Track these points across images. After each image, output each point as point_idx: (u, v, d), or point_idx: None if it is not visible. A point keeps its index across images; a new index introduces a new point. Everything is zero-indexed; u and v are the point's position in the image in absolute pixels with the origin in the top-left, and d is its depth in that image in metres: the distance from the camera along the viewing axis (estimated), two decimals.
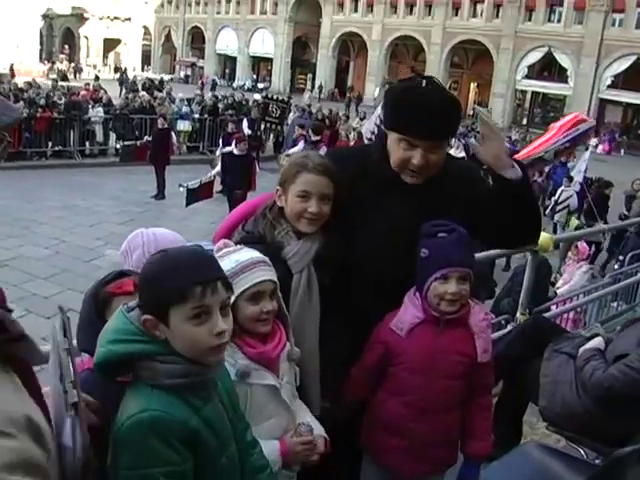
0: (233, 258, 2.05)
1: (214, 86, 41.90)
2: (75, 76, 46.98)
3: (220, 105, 22.30)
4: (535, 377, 3.37)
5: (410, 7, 44.51)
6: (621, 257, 10.92)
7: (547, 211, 14.99)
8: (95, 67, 51.89)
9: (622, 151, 29.80)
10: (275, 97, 21.01)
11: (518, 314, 4.55)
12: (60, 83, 25.37)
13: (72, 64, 52.81)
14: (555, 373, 3.28)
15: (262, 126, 19.54)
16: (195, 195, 12.68)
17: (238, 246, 2.17)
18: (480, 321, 2.40)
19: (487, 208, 2.42)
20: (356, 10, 47.61)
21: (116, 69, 50.88)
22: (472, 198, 2.42)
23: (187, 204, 12.70)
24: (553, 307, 6.48)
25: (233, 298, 1.90)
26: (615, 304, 7.44)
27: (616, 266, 10.90)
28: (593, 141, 24.25)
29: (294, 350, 2.17)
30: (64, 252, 10.43)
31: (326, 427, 2.34)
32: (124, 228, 12.09)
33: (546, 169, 17.37)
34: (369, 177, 2.45)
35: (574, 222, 8.83)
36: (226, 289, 1.67)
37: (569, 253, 8.97)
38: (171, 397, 1.57)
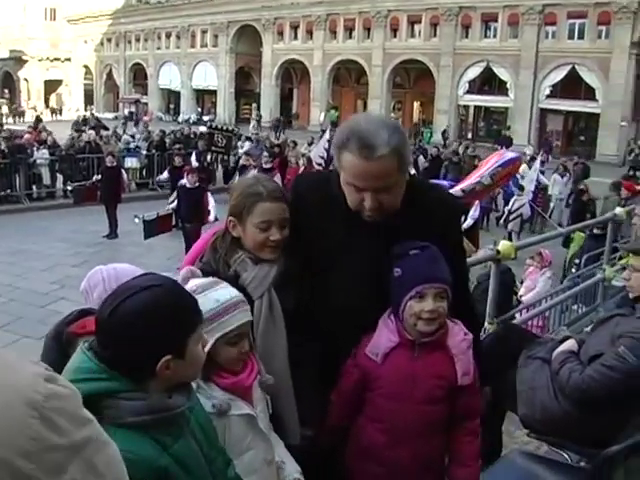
0: (212, 297, 1.97)
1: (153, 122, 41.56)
2: (15, 120, 46.21)
3: (167, 140, 22.17)
4: (511, 386, 3.35)
5: (349, 31, 45.02)
6: (577, 260, 11.12)
7: (501, 220, 15.25)
8: (36, 109, 50.97)
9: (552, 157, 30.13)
10: (220, 127, 20.92)
11: (486, 324, 4.54)
12: (3, 127, 24.85)
13: (13, 107, 51.97)
14: (531, 379, 3.26)
15: (209, 157, 19.49)
16: (154, 228, 12.52)
17: (212, 279, 2.09)
18: (460, 342, 2.32)
19: (453, 253, 2.38)
20: (296, 37, 47.97)
21: (52, 111, 49.57)
22: (442, 233, 2.33)
23: (146, 237, 12.54)
24: (517, 315, 6.54)
25: (212, 341, 1.86)
26: (576, 307, 7.53)
27: (573, 270, 11.08)
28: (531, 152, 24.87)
29: (266, 377, 2.11)
30: (18, 299, 10.14)
31: (310, 455, 2.28)
32: (78, 270, 11.80)
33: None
34: (334, 210, 2.35)
35: (580, 236, 8.77)
36: None
37: (528, 260, 9.07)
38: (137, 435, 1.48)
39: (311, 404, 2.34)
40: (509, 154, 12.07)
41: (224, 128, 20.63)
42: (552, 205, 17.58)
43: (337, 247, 2.37)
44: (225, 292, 2.02)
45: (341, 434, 2.43)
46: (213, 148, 19.34)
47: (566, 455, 3.20)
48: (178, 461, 1.53)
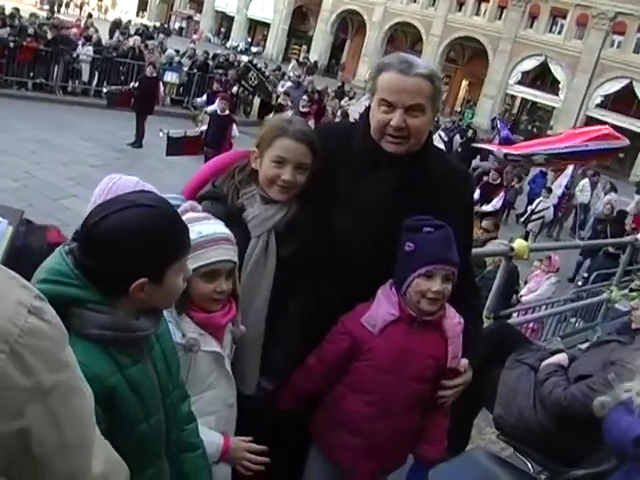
0: (196, 229, 1.93)
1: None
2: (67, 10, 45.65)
3: (211, 62, 21.93)
4: (493, 384, 3.34)
5: None
6: (586, 274, 11.04)
7: (522, 219, 15.11)
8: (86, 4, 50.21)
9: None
10: (259, 67, 20.51)
11: (483, 317, 4.52)
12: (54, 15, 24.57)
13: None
14: (514, 383, 3.25)
15: (235, 88, 19.10)
16: (179, 147, 12.41)
17: (204, 214, 2.06)
18: (455, 325, 2.32)
19: (461, 227, 2.38)
20: None
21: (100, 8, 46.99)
22: (451, 202, 2.33)
23: (168, 153, 12.42)
24: (514, 314, 6.52)
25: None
26: (574, 320, 7.50)
27: (580, 283, 11.01)
28: None
29: (240, 327, 2.10)
30: (32, 187, 10.15)
31: (261, 407, 2.26)
32: (96, 171, 11.83)
33: (526, 177, 17.49)
34: (352, 154, 2.36)
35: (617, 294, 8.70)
36: None
37: (536, 263, 9.02)
38: (94, 349, 1.45)
39: (281, 356, 2.32)
40: (616, 143, 11.32)
41: (262, 70, 20.18)
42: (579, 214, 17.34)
43: (349, 180, 2.35)
44: (210, 227, 1.99)
45: (304, 400, 2.41)
46: (243, 82, 18.94)
47: (529, 464, 3.20)
48: (131, 384, 1.50)
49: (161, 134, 12.32)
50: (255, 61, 24.30)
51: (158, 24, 47.64)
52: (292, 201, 2.27)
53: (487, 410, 3.53)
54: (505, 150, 9.03)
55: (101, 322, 1.45)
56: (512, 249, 4.32)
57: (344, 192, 2.34)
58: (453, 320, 2.33)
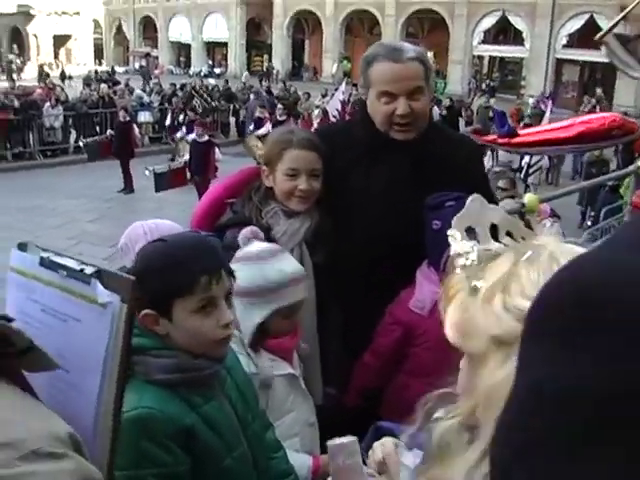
0: (276, 267, 1.95)
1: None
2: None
3: (179, 94, 21.98)
4: None
5: None
6: (592, 213, 10.96)
7: (520, 174, 15.07)
8: (47, 67, 50.15)
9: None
10: (202, 93, 20.14)
11: None
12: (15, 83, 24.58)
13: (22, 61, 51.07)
14: None
15: (181, 117, 18.31)
16: (166, 181, 12.49)
17: (276, 247, 2.05)
18: None
19: (480, 188, 2.36)
20: None
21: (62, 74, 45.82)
22: (467, 177, 2.33)
23: (157, 189, 12.51)
24: None
25: (269, 312, 1.86)
26: None
27: (589, 222, 10.93)
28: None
29: (302, 345, 2.10)
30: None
31: (334, 414, 2.27)
32: (94, 226, 11.88)
33: None
34: (358, 146, 2.38)
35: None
36: (229, 277, 1.58)
37: (527, 216, 8.90)
38: (165, 393, 1.48)
39: (336, 361, 2.33)
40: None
41: (205, 97, 19.89)
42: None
43: (360, 170, 2.38)
44: (289, 264, 2.00)
45: (370, 395, 2.41)
46: (188, 112, 18.14)
47: None
48: (207, 421, 1.52)
49: (147, 173, 12.42)
50: (212, 82, 24.31)
51: (120, 68, 47.69)
52: (313, 208, 2.28)
53: None
54: (511, 145, 8.90)
55: (165, 366, 1.48)
56: (523, 205, 4.29)
57: (359, 188, 2.35)
58: None
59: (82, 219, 12.27)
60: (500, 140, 6.51)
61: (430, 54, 44.92)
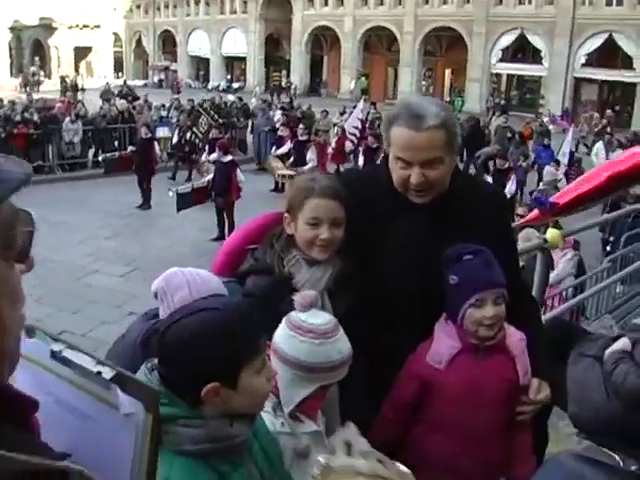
0: (337, 347, 1.93)
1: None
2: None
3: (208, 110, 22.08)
4: (561, 383, 3.27)
5: None
6: (612, 239, 10.80)
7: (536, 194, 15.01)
8: (67, 79, 50.46)
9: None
10: (209, 110, 19.80)
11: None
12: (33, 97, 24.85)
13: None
14: (582, 378, 3.17)
15: (188, 135, 18.12)
16: (188, 200, 12.53)
17: (334, 321, 2.00)
18: (517, 342, 2.29)
19: (504, 249, 2.35)
20: (326, 4, 47.25)
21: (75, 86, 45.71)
22: (491, 230, 2.31)
23: (178, 209, 12.56)
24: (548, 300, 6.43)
25: (316, 386, 1.88)
26: (620, 289, 7.39)
27: (608, 248, 10.80)
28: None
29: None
30: (54, 271, 10.21)
31: None
32: (111, 243, 11.96)
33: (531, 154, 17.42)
34: (379, 201, 2.35)
35: None
36: None
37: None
38: (195, 464, 1.46)
39: (356, 410, 2.30)
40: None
41: (212, 114, 19.45)
42: None
43: (386, 243, 2.33)
44: (345, 345, 1.97)
45: (389, 446, 2.38)
46: (194, 129, 18.06)
47: (617, 457, 3.12)
48: None
49: (170, 194, 12.49)
50: (231, 98, 24.28)
51: (139, 82, 48.03)
52: (335, 257, 2.26)
53: (559, 407, 3.46)
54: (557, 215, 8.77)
55: (196, 437, 1.45)
56: (545, 240, 4.27)
57: (379, 240, 2.32)
58: (515, 337, 2.30)
59: (100, 235, 12.36)
60: (542, 217, 6.43)
61: (448, 72, 45.12)
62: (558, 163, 14.69)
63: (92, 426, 0.90)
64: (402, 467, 1.15)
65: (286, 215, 2.30)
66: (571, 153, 15.47)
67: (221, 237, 12.38)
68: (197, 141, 18.10)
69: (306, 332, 1.94)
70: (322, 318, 1.97)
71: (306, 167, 14.26)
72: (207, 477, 1.46)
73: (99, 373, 0.93)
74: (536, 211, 6.15)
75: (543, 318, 4.98)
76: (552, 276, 8.12)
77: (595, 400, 3.15)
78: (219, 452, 1.48)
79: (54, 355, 0.98)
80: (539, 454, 3.31)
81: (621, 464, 3.09)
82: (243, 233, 2.50)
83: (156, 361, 1.52)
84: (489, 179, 12.65)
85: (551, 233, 4.40)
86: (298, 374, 1.91)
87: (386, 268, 2.31)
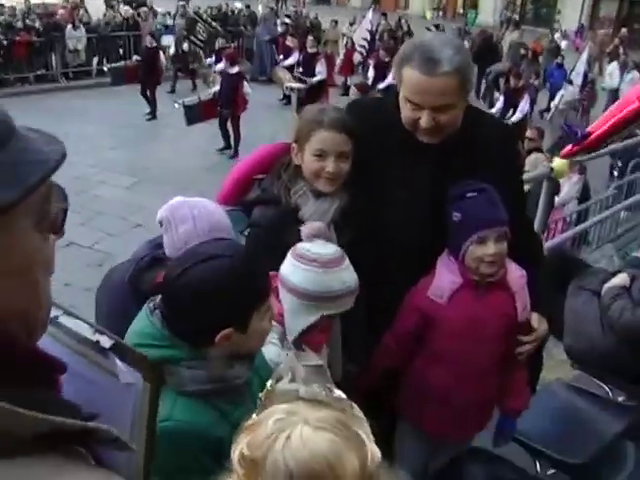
0: (339, 277, 1.96)
1: None
2: None
3: (205, 17, 21.48)
4: (559, 314, 3.34)
5: None
6: (620, 164, 10.64)
7: (548, 116, 14.78)
8: None
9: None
10: (205, 18, 18.87)
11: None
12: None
13: None
14: (580, 310, 3.25)
15: (185, 45, 17.48)
16: (198, 113, 12.30)
17: (339, 251, 2.03)
18: (518, 279, 2.33)
19: (509, 183, 2.34)
20: None
21: None
22: (497, 165, 2.29)
23: (189, 122, 12.29)
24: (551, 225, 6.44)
25: (318, 316, 1.91)
26: (624, 214, 7.39)
27: (615, 173, 10.69)
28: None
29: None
30: (59, 182, 10.11)
31: (353, 390, 2.32)
32: (116, 153, 11.89)
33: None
34: (387, 134, 2.32)
35: None
36: None
37: None
38: (197, 404, 1.52)
39: (358, 341, 2.36)
40: None
41: (209, 21, 18.57)
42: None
43: (392, 177, 2.32)
44: (350, 275, 2.00)
45: (388, 376, 2.46)
46: (192, 37, 17.30)
47: (606, 388, 3.23)
48: (237, 428, 1.54)
49: (176, 105, 12.23)
50: (238, 5, 23.52)
51: None
52: (341, 190, 2.26)
53: (555, 338, 3.54)
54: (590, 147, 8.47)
55: (198, 378, 1.50)
56: (552, 169, 4.25)
57: (387, 174, 2.31)
58: (515, 274, 2.34)
59: (105, 146, 12.23)
60: (578, 148, 6.27)
61: None
62: (571, 83, 14.36)
63: (94, 390, 0.91)
64: (340, 393, 1.21)
65: (294, 145, 2.30)
66: (585, 74, 15.06)
67: (227, 147, 12.31)
68: (197, 50, 17.39)
69: (310, 261, 1.97)
70: (327, 248, 2.00)
71: (314, 79, 13.92)
72: (208, 415, 1.52)
73: (97, 342, 0.92)
74: (570, 146, 6.07)
75: (546, 245, 5.03)
76: (556, 199, 8.11)
77: (591, 333, 3.23)
78: (220, 392, 1.53)
79: (50, 321, 0.94)
80: (534, 380, 3.44)
81: (610, 395, 3.21)
82: (252, 162, 2.49)
83: (158, 300, 1.55)
84: (500, 97, 12.42)
85: (558, 163, 4.37)
86: (302, 303, 1.95)
87: (390, 204, 2.32)
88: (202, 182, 10.64)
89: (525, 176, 4.48)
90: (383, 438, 2.51)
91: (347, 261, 2.02)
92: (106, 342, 0.92)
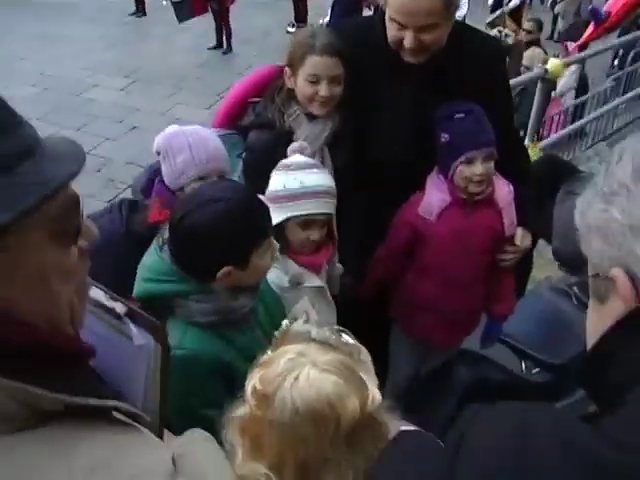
0: (299, 177, 2.02)
1: None
2: None
3: None
4: (548, 216, 3.41)
5: None
6: (621, 51, 10.38)
7: (549, 1, 14.30)
8: None
9: None
10: None
11: (527, 141, 4.52)
12: None
13: None
14: (568, 216, 3.30)
15: None
16: (188, 9, 11.91)
17: (312, 161, 2.11)
18: (505, 195, 2.41)
19: (498, 100, 2.37)
20: None
21: None
22: (485, 81, 2.31)
23: (180, 20, 11.91)
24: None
25: (283, 218, 1.96)
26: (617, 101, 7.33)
27: (616, 62, 10.45)
28: None
29: (337, 266, 2.21)
30: (52, 88, 10.06)
31: (349, 300, 2.44)
32: (108, 54, 11.64)
33: None
34: (374, 56, 2.33)
35: None
36: None
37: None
38: (205, 333, 1.64)
39: (352, 254, 2.46)
40: None
41: None
42: None
43: (378, 98, 2.37)
44: (314, 178, 2.05)
45: (382, 287, 2.58)
46: None
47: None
48: (243, 354, 1.67)
49: (164, 2, 11.86)
50: None
51: None
52: (334, 112, 2.31)
53: (546, 241, 3.64)
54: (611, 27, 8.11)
55: (205, 310, 1.62)
56: (546, 70, 4.21)
57: (374, 95, 2.34)
58: (503, 190, 2.41)
59: (96, 47, 11.95)
60: (599, 29, 6.06)
61: None
62: None
63: (111, 350, 0.98)
64: (349, 338, 1.33)
65: (286, 69, 2.32)
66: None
67: (219, 45, 12.05)
68: None
69: (282, 167, 2.08)
70: (295, 158, 2.09)
71: None
72: (216, 342, 1.65)
73: (113, 309, 1.01)
74: (592, 26, 5.92)
75: (542, 143, 5.06)
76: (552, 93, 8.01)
77: (577, 237, 3.31)
78: (225, 322, 1.66)
79: None
80: (522, 284, 3.57)
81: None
82: (245, 85, 2.51)
83: (165, 239, 1.64)
84: None
85: (552, 63, 4.33)
86: (270, 207, 1.97)
87: (375, 125, 2.37)
88: (195, 80, 10.54)
89: (520, 77, 4.47)
90: (380, 344, 2.70)
91: (318, 169, 2.10)
92: (121, 309, 1.01)
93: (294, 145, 2.14)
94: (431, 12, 2.11)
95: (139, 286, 1.64)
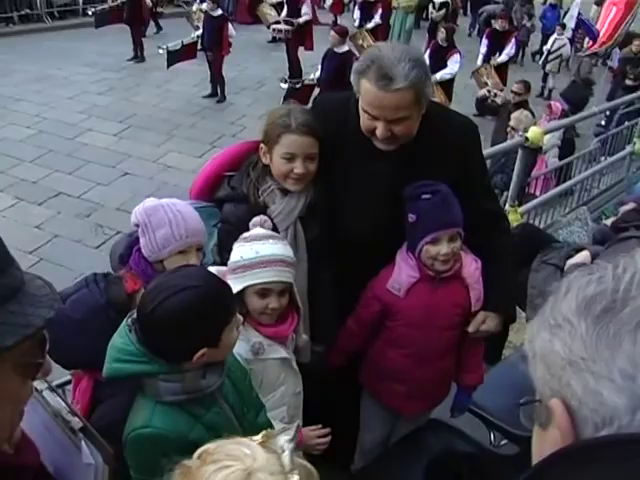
0: (254, 248, 2.07)
1: None
2: None
3: None
4: (522, 286, 3.46)
5: None
6: (608, 113, 10.48)
7: (540, 60, 14.59)
8: None
9: None
10: None
11: (507, 206, 4.59)
12: None
13: None
14: (542, 285, 3.35)
15: None
16: (177, 56, 12.25)
17: (269, 233, 2.16)
18: (473, 271, 2.46)
19: (474, 178, 2.44)
20: None
21: None
22: (456, 165, 2.37)
23: (169, 65, 12.29)
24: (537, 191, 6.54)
25: (240, 287, 2.00)
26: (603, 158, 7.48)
27: (603, 122, 10.58)
28: None
29: (301, 336, 2.25)
30: (47, 130, 10.16)
31: (321, 368, 2.48)
32: (104, 98, 11.77)
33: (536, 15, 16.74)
34: (349, 136, 2.39)
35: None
36: None
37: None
38: (173, 412, 1.68)
39: (324, 323, 2.50)
40: None
41: None
42: None
43: (351, 178, 2.43)
44: (269, 248, 2.09)
45: (351, 356, 2.62)
46: None
47: None
48: (210, 429, 1.71)
49: (161, 51, 12.15)
50: None
51: None
52: (309, 185, 2.38)
53: (521, 309, 3.67)
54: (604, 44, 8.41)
55: (173, 390, 1.67)
56: (527, 139, 4.31)
57: (347, 175, 2.41)
58: (470, 267, 2.46)
59: (92, 91, 12.11)
60: (596, 46, 6.33)
61: None
62: (564, 27, 14.16)
63: (65, 455, 1.03)
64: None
65: (262, 146, 2.38)
66: (579, 17, 14.75)
67: (213, 94, 12.22)
68: None
69: (241, 239, 2.14)
70: (254, 231, 2.14)
71: (301, 19, 13.58)
72: (183, 420, 1.69)
73: (69, 422, 1.06)
74: (590, 42, 6.10)
75: (525, 207, 5.13)
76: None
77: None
78: (194, 400, 1.71)
79: (36, 389, 1.09)
80: (499, 345, 3.59)
81: None
82: (221, 160, 2.58)
83: (134, 321, 1.68)
84: (484, 41, 12.18)
85: (533, 132, 4.43)
86: (229, 278, 2.04)
87: (347, 204, 2.44)
88: (188, 127, 10.66)
89: (501, 145, 4.56)
90: (351, 409, 2.72)
91: (272, 239, 2.14)
92: (76, 424, 1.06)
93: (255, 219, 2.19)
94: (401, 106, 2.18)
95: (108, 366, 1.68)
